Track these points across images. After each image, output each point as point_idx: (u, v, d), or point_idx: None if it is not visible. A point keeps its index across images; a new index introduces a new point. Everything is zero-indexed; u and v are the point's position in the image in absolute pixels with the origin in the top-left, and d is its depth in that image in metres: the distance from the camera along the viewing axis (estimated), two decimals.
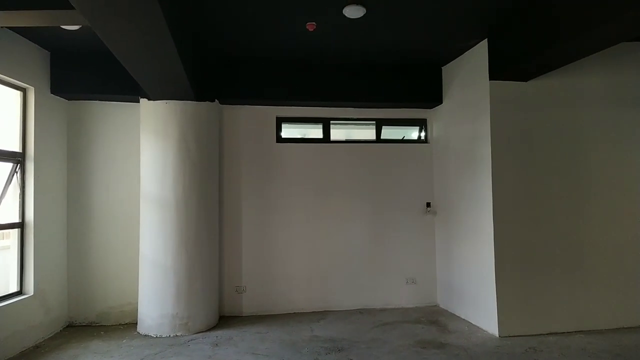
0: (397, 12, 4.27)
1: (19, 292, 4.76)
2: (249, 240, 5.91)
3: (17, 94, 4.82)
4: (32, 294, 4.79)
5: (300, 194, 6.04)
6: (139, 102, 5.36)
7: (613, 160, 5.05)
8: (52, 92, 5.19)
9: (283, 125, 6.16)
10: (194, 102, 5.19)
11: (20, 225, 4.82)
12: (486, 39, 4.88)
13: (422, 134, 6.44)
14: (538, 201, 4.86)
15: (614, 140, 5.07)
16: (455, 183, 5.64)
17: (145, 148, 5.19)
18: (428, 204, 6.24)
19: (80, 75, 5.24)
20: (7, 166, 4.70)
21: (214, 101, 5.48)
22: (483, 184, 4.92)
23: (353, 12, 4.20)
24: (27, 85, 4.82)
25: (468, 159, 5.29)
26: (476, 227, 5.10)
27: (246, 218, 5.91)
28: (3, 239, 5.10)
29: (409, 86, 5.96)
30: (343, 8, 4.13)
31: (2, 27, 4.23)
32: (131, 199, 5.53)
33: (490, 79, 4.79)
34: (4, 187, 4.67)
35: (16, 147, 4.81)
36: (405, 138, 6.45)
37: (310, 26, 4.54)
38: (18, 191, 4.82)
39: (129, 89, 5.21)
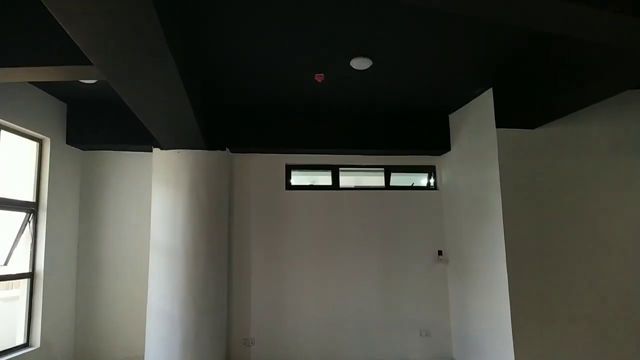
0: (402, 64, 4.40)
1: (26, 345, 4.69)
2: (258, 290, 5.82)
3: (34, 145, 4.96)
4: (38, 346, 4.71)
5: (309, 242, 5.99)
6: (151, 151, 5.47)
7: (624, 208, 4.97)
8: (67, 143, 5.33)
9: (292, 173, 6.22)
10: (205, 150, 5.29)
11: (30, 275, 4.82)
12: (491, 88, 4.97)
13: (432, 181, 6.45)
14: (553, 250, 4.76)
15: (625, 187, 5.01)
16: (466, 231, 5.58)
17: (157, 197, 5.24)
18: (440, 252, 6.15)
19: (96, 126, 5.40)
20: (20, 216, 4.76)
21: (225, 149, 5.57)
22: (495, 232, 4.86)
23: (360, 64, 4.33)
24: (44, 137, 4.97)
25: (479, 207, 5.25)
26: (490, 276, 4.98)
27: (255, 266, 5.86)
28: (12, 288, 5.09)
29: (416, 133, 6.03)
30: (350, 60, 4.27)
31: (24, 82, 4.42)
32: (141, 249, 5.53)
33: (497, 127, 4.84)
34: (16, 237, 4.71)
35: (30, 197, 4.89)
36: (414, 185, 6.45)
37: (319, 77, 4.67)
38: (30, 241, 4.85)
39: (142, 139, 5.34)
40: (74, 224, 5.51)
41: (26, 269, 4.81)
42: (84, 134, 5.37)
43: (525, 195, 4.80)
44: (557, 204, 4.85)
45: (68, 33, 2.42)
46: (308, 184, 6.36)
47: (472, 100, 5.41)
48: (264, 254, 5.90)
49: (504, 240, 4.70)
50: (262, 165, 6.08)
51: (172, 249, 5.06)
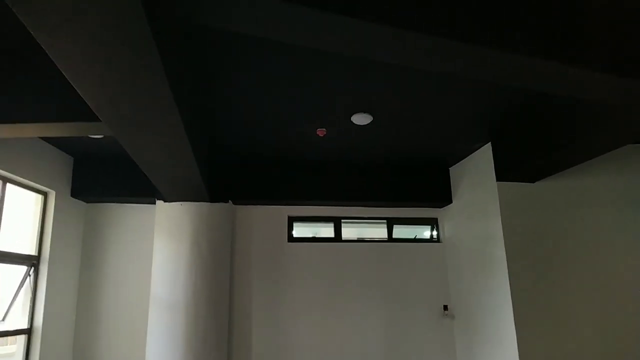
0: (402, 119, 4.51)
1: None
2: (259, 345, 5.65)
3: (39, 198, 5.01)
4: None
5: (311, 295, 5.88)
6: (155, 203, 5.51)
7: (627, 260, 4.91)
8: (72, 196, 5.39)
9: (294, 225, 6.21)
10: (208, 203, 5.32)
11: (28, 332, 4.72)
12: (490, 142, 5.05)
13: (434, 233, 6.41)
14: (558, 303, 4.65)
15: (627, 240, 4.97)
16: (471, 285, 5.48)
17: (158, 250, 5.22)
18: (445, 307, 6.00)
19: (101, 178, 5.47)
20: (21, 269, 4.73)
21: (228, 202, 5.61)
22: (501, 287, 4.77)
23: (361, 119, 4.45)
24: (49, 190, 5.03)
25: (483, 260, 5.19)
26: (498, 334, 4.84)
27: (256, 321, 5.71)
28: (8, 344, 4.96)
29: (417, 186, 6.07)
30: (351, 116, 4.39)
31: (34, 137, 4.54)
32: (141, 303, 5.44)
33: (497, 180, 4.88)
34: (16, 292, 4.66)
35: (32, 250, 4.88)
36: (417, 237, 6.42)
37: (321, 132, 4.78)
38: (29, 295, 4.79)
39: (146, 192, 5.39)
40: (74, 277, 5.46)
41: (24, 325, 4.71)
42: (89, 186, 5.44)
43: (529, 248, 4.76)
44: (561, 256, 4.79)
45: (78, 92, 2.53)
46: (310, 236, 6.33)
47: (472, 154, 5.49)
48: (266, 307, 5.78)
49: (510, 295, 4.60)
50: (264, 217, 6.09)
51: (172, 303, 4.98)
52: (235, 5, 2.09)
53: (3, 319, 4.53)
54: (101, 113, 2.84)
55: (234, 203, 5.93)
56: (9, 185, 4.47)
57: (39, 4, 1.78)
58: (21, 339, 4.68)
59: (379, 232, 6.38)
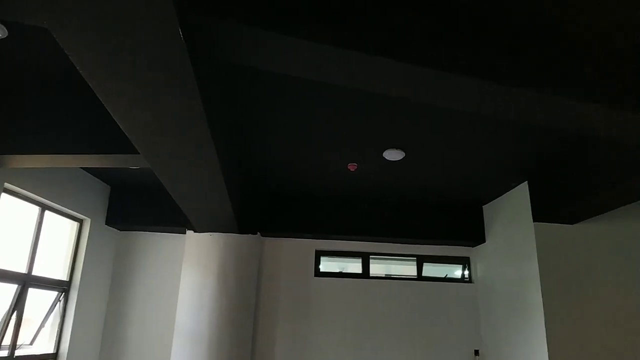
0: (435, 157, 4.45)
1: None
2: None
3: (74, 225, 5.13)
4: None
5: (336, 332, 5.74)
6: (185, 233, 5.56)
7: None
8: (106, 223, 5.49)
9: (322, 259, 6.14)
10: (236, 234, 5.34)
11: (55, 357, 4.75)
12: (526, 182, 4.92)
13: (466, 273, 6.21)
14: (597, 352, 4.38)
15: None
16: (505, 330, 5.23)
17: (185, 279, 5.23)
18: (476, 352, 5.74)
19: (135, 207, 5.58)
20: (52, 294, 4.81)
21: (256, 234, 5.61)
22: (536, 333, 4.54)
23: (393, 155, 4.41)
24: (85, 217, 5.15)
25: (517, 304, 4.97)
26: None
27: (279, 354, 5.59)
28: None
29: (449, 223, 5.93)
30: (383, 152, 4.36)
31: (77, 167, 4.70)
32: (166, 333, 5.42)
33: (534, 221, 4.72)
34: (46, 316, 4.72)
35: (64, 276, 4.97)
36: (447, 276, 6.23)
37: (352, 167, 4.76)
38: (58, 320, 4.85)
39: (177, 222, 5.45)
40: (102, 304, 5.51)
41: (51, 349, 4.75)
42: (123, 215, 5.55)
43: (566, 292, 4.54)
44: (600, 302, 4.55)
45: (120, 126, 2.60)
46: (337, 271, 6.24)
47: (507, 193, 5.35)
48: (290, 342, 5.66)
49: (545, 341, 4.37)
50: (292, 250, 6.05)
51: (196, 334, 4.94)
52: (277, 50, 2.13)
53: (31, 343, 4.58)
54: (140, 146, 2.91)
55: (262, 235, 5.92)
56: (47, 213, 4.60)
57: (88, 49, 1.85)
58: None
59: (409, 269, 6.22)
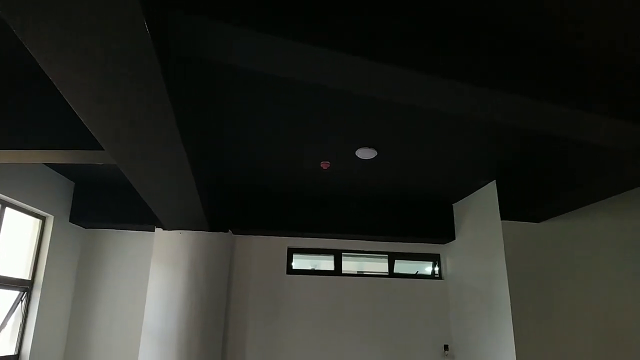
0: (407, 155, 4.48)
1: None
2: None
3: (37, 222, 4.95)
4: None
5: (308, 329, 5.73)
6: (153, 231, 5.44)
7: (633, 303, 4.81)
8: (70, 221, 5.32)
9: (294, 256, 6.12)
10: (207, 232, 5.26)
11: (16, 359, 4.57)
12: (495, 180, 5.02)
13: (436, 269, 6.31)
14: (562, 346, 4.52)
15: (632, 283, 4.88)
16: (473, 325, 5.34)
17: (154, 278, 5.12)
18: (446, 347, 5.84)
19: (101, 204, 5.42)
20: (12, 294, 4.63)
21: (227, 231, 5.54)
22: (503, 327, 4.65)
23: (365, 154, 4.42)
24: (48, 214, 4.97)
25: (486, 299, 5.08)
26: None
27: (250, 353, 5.55)
28: None
29: (420, 221, 6.00)
30: (356, 150, 4.37)
31: (39, 163, 4.51)
32: (133, 333, 5.30)
33: (502, 219, 4.82)
34: (6, 317, 4.54)
35: (25, 275, 4.79)
36: (418, 273, 6.31)
37: (325, 165, 4.75)
38: (20, 321, 4.67)
39: (145, 219, 5.32)
40: (67, 303, 5.34)
41: (12, 351, 4.57)
42: (88, 212, 5.38)
43: (533, 288, 4.66)
44: (565, 298, 4.70)
45: (83, 121, 2.50)
46: (310, 268, 6.23)
47: (477, 191, 5.45)
48: (261, 340, 5.63)
49: (513, 336, 4.48)
50: (264, 248, 6.00)
51: (165, 334, 4.84)
52: (249, 47, 2.09)
53: None
54: (105, 143, 2.81)
55: (234, 233, 5.85)
56: (7, 210, 4.41)
57: (50, 39, 1.77)
58: None
59: (380, 266, 6.27)
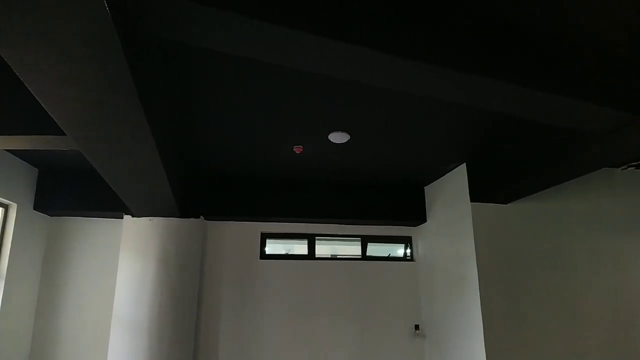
0: (379, 139, 4.50)
1: None
2: None
3: None
4: None
5: (282, 314, 5.76)
6: (122, 218, 5.31)
7: (598, 283, 5.02)
8: (34, 209, 5.14)
9: (267, 241, 6.10)
10: (178, 218, 5.17)
11: None
12: (465, 163, 5.10)
13: (408, 252, 6.42)
14: (529, 325, 4.69)
15: (597, 263, 5.09)
16: (443, 305, 5.48)
17: (123, 266, 5.02)
18: (417, 326, 5.98)
19: (66, 191, 5.25)
20: None
21: (199, 217, 5.46)
22: (472, 308, 4.78)
23: (338, 138, 4.41)
24: (10, 202, 4.78)
25: (455, 280, 5.20)
26: (468, 355, 4.83)
27: (224, 340, 5.54)
28: None
29: (392, 204, 6.07)
30: (329, 134, 4.35)
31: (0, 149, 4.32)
32: (102, 323, 5.21)
33: (471, 201, 4.92)
34: None
35: None
36: (391, 255, 6.40)
37: (298, 149, 4.72)
38: None
39: (113, 206, 5.19)
40: (33, 292, 5.19)
41: None
42: (54, 199, 5.21)
43: (500, 269, 4.80)
44: (532, 278, 4.85)
45: (43, 105, 2.40)
46: (283, 253, 6.23)
47: (448, 174, 5.53)
48: (235, 326, 5.62)
49: (481, 316, 4.61)
50: (237, 234, 5.96)
51: (136, 324, 4.78)
52: (211, 25, 2.03)
53: None
54: (66, 128, 2.71)
55: (206, 219, 5.78)
56: None
57: (7, 19, 1.67)
58: None
59: (353, 249, 6.33)
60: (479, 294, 4.67)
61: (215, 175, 5.66)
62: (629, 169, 5.39)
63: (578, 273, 5.00)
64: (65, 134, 3.05)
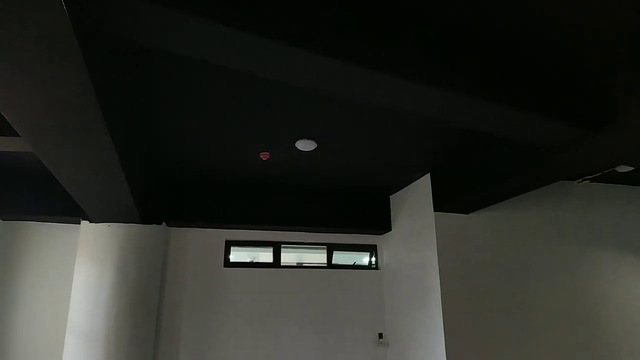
0: (345, 148, 4.52)
1: None
2: None
3: None
4: None
5: (247, 323, 5.65)
6: (79, 223, 5.10)
7: (556, 294, 5.17)
8: None
9: (232, 249, 6.00)
10: (139, 225, 5.01)
11: None
12: (429, 173, 5.18)
13: (373, 260, 6.44)
14: (489, 335, 4.77)
15: (554, 271, 5.25)
16: (407, 313, 5.51)
17: (80, 274, 4.81)
18: (380, 335, 6.00)
19: (19, 195, 5.01)
20: None
21: (161, 224, 5.32)
22: (433, 317, 4.83)
23: (305, 145, 4.40)
24: None
25: (418, 289, 5.26)
26: None
27: (185, 350, 5.38)
28: None
29: (358, 212, 6.09)
30: (296, 142, 4.33)
31: None
32: (57, 332, 4.97)
33: (434, 211, 4.99)
34: None
35: None
36: (356, 264, 6.41)
37: (264, 156, 4.68)
38: None
39: (69, 211, 4.98)
40: None
41: None
42: (5, 203, 4.95)
43: (462, 278, 4.88)
44: (492, 288, 4.95)
45: None
46: (248, 260, 6.14)
47: (412, 183, 5.60)
48: (196, 336, 5.47)
49: (442, 325, 4.66)
50: (200, 241, 5.83)
51: (92, 333, 4.58)
52: (174, 29, 1.98)
53: None
54: (19, 128, 2.58)
55: (168, 225, 5.63)
56: None
57: None
58: None
59: (319, 257, 6.31)
60: (440, 301, 4.72)
61: (179, 181, 5.53)
62: (584, 182, 5.63)
63: (536, 281, 5.14)
64: (18, 135, 2.91)
